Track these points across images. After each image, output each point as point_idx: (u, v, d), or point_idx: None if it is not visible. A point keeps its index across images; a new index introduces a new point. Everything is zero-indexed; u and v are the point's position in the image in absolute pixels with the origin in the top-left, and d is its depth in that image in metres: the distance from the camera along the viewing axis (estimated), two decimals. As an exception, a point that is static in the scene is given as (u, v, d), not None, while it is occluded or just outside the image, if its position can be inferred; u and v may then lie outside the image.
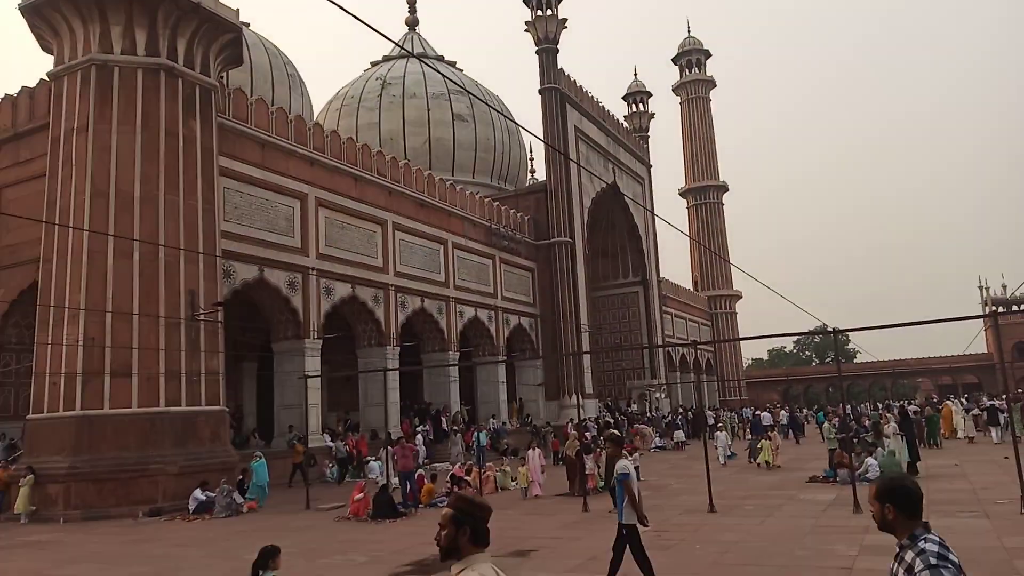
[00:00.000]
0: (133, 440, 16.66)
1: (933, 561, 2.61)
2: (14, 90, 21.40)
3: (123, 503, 16.10)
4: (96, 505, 16.03)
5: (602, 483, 15.88)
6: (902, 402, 39.15)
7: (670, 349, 50.02)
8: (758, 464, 20.89)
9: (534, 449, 16.84)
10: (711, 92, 67.09)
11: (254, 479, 17.33)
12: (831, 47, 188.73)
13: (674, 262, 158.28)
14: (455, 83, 35.56)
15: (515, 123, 31.50)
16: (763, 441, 21.68)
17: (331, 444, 23.50)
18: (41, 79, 20.33)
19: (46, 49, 18.84)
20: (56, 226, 17.36)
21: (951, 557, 2.65)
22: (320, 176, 24.34)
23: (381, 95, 41.75)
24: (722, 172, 65.96)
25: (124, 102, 17.49)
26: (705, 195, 64.47)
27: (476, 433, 22.58)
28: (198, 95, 18.74)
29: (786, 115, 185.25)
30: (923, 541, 2.70)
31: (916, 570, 2.63)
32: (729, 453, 23.70)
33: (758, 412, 37.64)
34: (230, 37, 19.52)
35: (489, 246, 33.32)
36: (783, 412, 37.32)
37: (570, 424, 20.11)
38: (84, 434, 16.48)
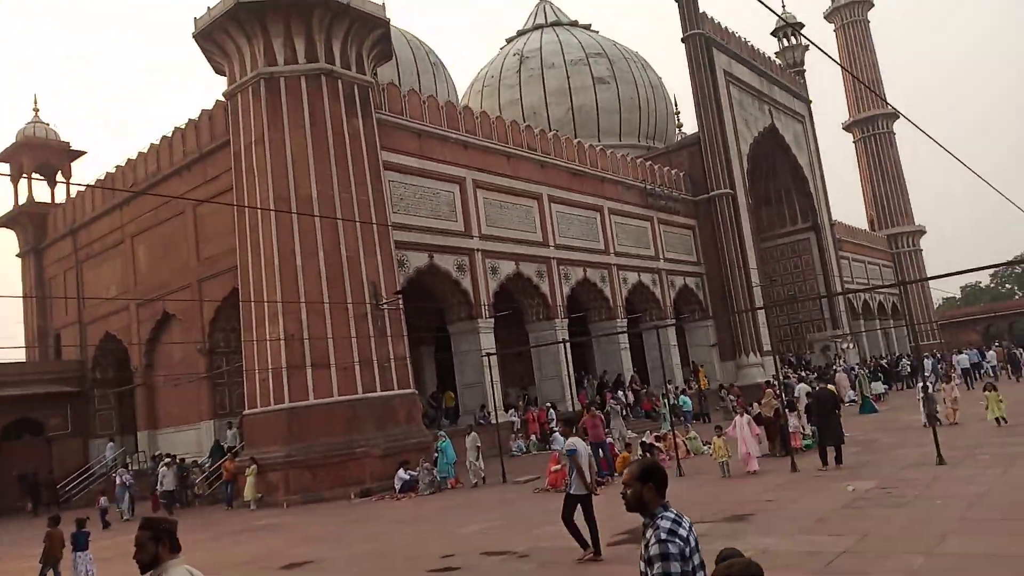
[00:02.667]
0: (338, 427, 17.73)
1: (663, 536, 2.83)
2: (194, 115, 23.30)
3: (335, 486, 17.19)
4: (312, 489, 17.25)
5: (808, 440, 15.04)
6: None
7: (851, 296, 46.78)
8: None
9: (742, 415, 14.17)
10: (869, 13, 61.57)
11: (445, 457, 17.81)
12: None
13: (846, 202, 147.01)
14: (595, 44, 34.79)
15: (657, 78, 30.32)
16: (987, 393, 15.95)
17: (514, 419, 23.92)
18: (217, 100, 21.95)
19: (219, 71, 20.23)
20: (248, 234, 18.72)
21: (679, 532, 2.86)
22: (475, 158, 24.66)
23: (520, 70, 41.73)
24: (891, 97, 60.59)
25: (292, 109, 18.47)
26: (873, 125, 59.47)
27: (668, 398, 22.13)
28: (357, 93, 19.45)
29: (963, 28, 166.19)
30: (660, 519, 2.91)
31: (649, 544, 2.86)
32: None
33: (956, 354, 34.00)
34: (379, 33, 20.07)
35: (646, 208, 32.51)
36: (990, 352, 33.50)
37: (766, 384, 18.98)
38: (295, 424, 17.73)
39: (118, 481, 19.54)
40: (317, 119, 18.60)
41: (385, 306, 18.86)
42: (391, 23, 20.50)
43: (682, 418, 22.50)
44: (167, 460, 19.76)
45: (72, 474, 25.27)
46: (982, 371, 30.60)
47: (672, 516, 2.92)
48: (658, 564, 2.78)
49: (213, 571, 10.30)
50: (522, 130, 27.19)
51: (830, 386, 15.51)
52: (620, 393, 27.32)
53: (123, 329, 25.68)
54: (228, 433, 21.75)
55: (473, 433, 17.73)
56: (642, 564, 2.88)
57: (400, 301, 19.58)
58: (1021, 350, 33.05)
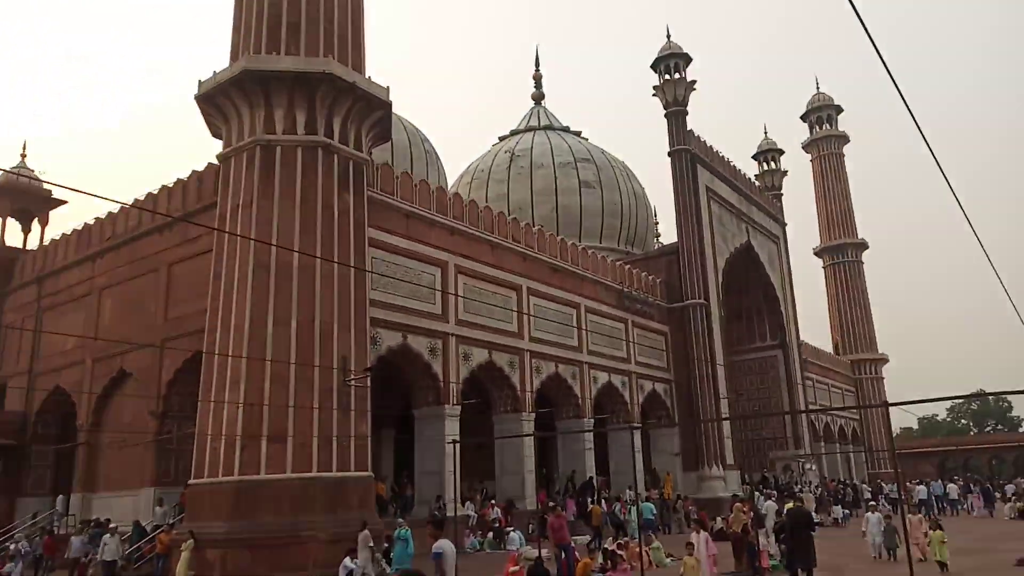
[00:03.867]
0: (287, 506, 16.83)
1: None
2: (183, 175, 23.23)
3: (275, 570, 16.12)
4: (251, 572, 16.15)
5: (775, 561, 14.60)
6: None
7: (813, 418, 46.95)
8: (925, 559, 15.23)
9: (698, 532, 13.75)
10: (844, 147, 64.59)
11: (407, 548, 16.90)
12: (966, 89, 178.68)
13: (813, 326, 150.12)
14: (583, 150, 35.84)
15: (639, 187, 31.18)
16: (933, 532, 15.05)
17: (471, 514, 23.10)
18: (208, 163, 21.95)
19: (216, 135, 20.28)
20: (221, 297, 18.32)
21: None
22: (459, 244, 24.77)
23: (510, 167, 42.75)
24: (860, 229, 62.75)
25: (285, 178, 18.44)
26: (843, 253, 61.36)
27: (637, 505, 21.55)
28: (351, 169, 19.56)
29: (926, 163, 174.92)
30: None
31: None
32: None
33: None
34: (381, 114, 20.40)
35: (621, 309, 32.71)
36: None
37: (734, 498, 18.61)
38: (242, 499, 16.81)
39: (12, 549, 18.24)
40: (309, 189, 18.58)
41: (353, 382, 18.36)
42: (392, 107, 20.89)
43: (644, 527, 21.86)
44: (112, 527, 18.52)
45: (-6, 532, 23.67)
46: (943, 504, 30.50)
47: None
48: None
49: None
50: (508, 222, 27.51)
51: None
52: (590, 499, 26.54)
53: (75, 384, 24.66)
54: (157, 510, 20.40)
55: (365, 531, 15.85)
56: None
57: (368, 379, 19.11)
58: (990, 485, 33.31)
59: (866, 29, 6.25)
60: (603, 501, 27.29)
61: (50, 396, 25.55)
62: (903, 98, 6.92)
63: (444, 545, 8.44)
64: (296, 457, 17.25)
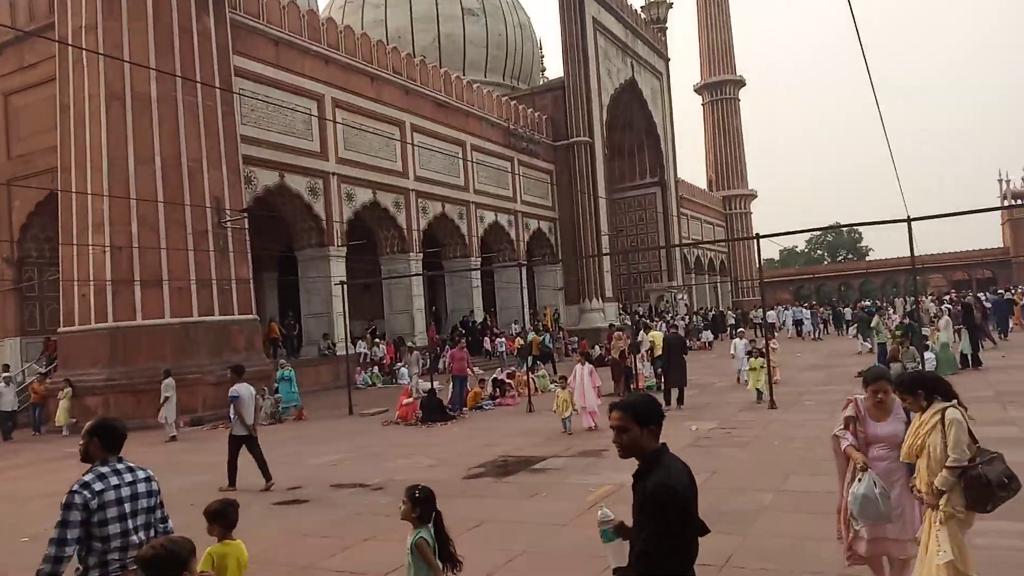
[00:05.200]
0: (169, 351, 16.40)
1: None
2: (9, -12, 20.14)
3: (162, 413, 15.94)
4: (137, 416, 15.77)
5: (651, 381, 15.69)
6: (967, 294, 37.30)
7: (686, 251, 49.48)
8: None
9: (583, 365, 12.43)
10: (727, -19, 63.84)
11: (291, 387, 17.00)
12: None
13: (690, 161, 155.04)
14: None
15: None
16: (753, 359, 14.13)
17: (365, 351, 23.39)
18: (37, -26, 19.07)
19: (43, -60, 17.51)
20: (72, 133, 16.58)
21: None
22: (336, 75, 23.23)
23: (387, -10, 39.65)
24: (739, 66, 63.65)
25: (133, -4, 16.31)
26: (721, 90, 62.34)
27: (525, 337, 22.31)
28: (209, -13, 17.51)
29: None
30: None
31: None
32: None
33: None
34: (238, -78, 18.10)
35: (508, 148, 32.29)
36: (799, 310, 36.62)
37: (611, 327, 19.63)
38: (119, 346, 16.25)
39: None
40: (161, 10, 16.57)
41: (229, 224, 17.49)
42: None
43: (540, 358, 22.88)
44: (5, 376, 17.37)
45: None
46: (803, 328, 33.39)
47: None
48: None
49: (25, 500, 9.20)
50: (388, 51, 25.90)
51: (678, 331, 16.08)
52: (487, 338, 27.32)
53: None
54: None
55: (168, 379, 14.48)
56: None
57: (246, 220, 18.25)
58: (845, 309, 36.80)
59: None
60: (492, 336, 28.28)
61: None
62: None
63: (240, 389, 8.82)
64: (174, 302, 16.61)
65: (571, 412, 11.84)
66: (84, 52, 16.24)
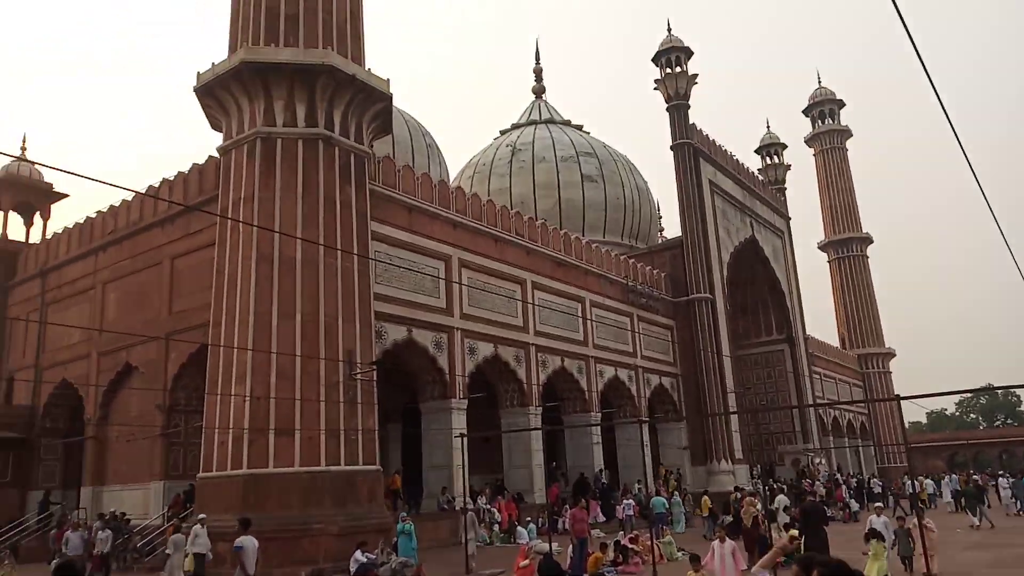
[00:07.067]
0: (296, 499, 16.80)
1: None
2: (184, 168, 23.16)
3: (286, 563, 16.06)
4: (260, 564, 16.13)
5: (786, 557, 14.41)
6: None
7: (821, 412, 46.74)
8: None
9: (723, 542, 11.30)
10: (847, 141, 64.28)
11: (410, 542, 16.86)
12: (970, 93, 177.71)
13: (819, 320, 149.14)
14: (585, 144, 35.69)
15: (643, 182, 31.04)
16: (876, 543, 12.02)
17: (487, 507, 23.00)
18: (209, 156, 21.89)
19: (215, 127, 20.22)
20: (224, 291, 18.26)
21: None
22: (462, 238, 24.68)
23: (511, 161, 42.59)
24: (865, 223, 62.44)
25: (286, 171, 18.37)
26: (847, 248, 61.07)
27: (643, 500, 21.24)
28: (352, 162, 19.47)
29: (929, 155, 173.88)
30: None
31: None
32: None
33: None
34: (381, 106, 20.30)
35: (626, 304, 32.57)
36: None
37: (740, 492, 18.31)
38: (251, 492, 16.76)
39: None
40: (310, 182, 18.50)
41: (359, 375, 18.29)
42: (393, 99, 20.79)
43: (656, 521, 21.69)
44: (101, 519, 18.44)
45: (4, 525, 23.61)
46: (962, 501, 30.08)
47: None
48: None
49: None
50: (511, 216, 27.41)
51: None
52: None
53: (81, 377, 24.63)
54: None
55: (197, 526, 14.38)
56: None
57: (375, 372, 19.03)
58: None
59: (902, 20, 6.13)
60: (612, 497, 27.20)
61: (57, 390, 25.54)
62: (926, 71, 6.79)
63: (245, 541, 8.77)
64: (304, 450, 17.19)
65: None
66: (241, 219, 18.19)
